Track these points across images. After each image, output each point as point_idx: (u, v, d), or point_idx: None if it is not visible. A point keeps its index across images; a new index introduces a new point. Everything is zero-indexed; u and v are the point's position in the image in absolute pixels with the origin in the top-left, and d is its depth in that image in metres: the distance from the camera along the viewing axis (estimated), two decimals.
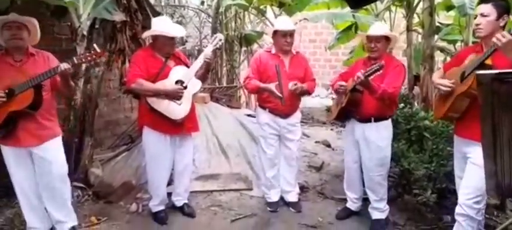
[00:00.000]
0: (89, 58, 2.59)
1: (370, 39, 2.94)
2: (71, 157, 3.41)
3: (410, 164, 3.10)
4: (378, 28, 2.97)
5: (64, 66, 2.51)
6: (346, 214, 3.31)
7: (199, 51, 6.77)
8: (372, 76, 2.66)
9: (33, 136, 2.60)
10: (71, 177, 2.97)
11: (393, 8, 5.86)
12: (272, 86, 3.09)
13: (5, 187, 3.23)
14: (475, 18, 2.32)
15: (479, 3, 2.36)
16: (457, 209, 2.36)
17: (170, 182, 3.40)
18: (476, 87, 1.54)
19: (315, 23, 7.30)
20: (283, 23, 3.26)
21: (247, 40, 7.20)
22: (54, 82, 2.68)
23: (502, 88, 1.41)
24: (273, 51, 3.28)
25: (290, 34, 3.18)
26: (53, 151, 2.68)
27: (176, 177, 3.29)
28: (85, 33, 3.46)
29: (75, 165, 3.59)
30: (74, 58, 2.57)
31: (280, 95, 3.07)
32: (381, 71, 2.62)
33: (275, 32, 3.23)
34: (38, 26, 2.67)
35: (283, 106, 3.12)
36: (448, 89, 2.32)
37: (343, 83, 2.98)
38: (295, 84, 3.11)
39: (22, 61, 2.61)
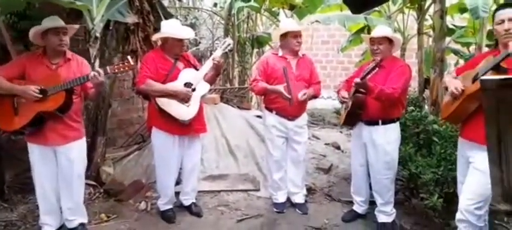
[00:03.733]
0: (121, 68, 2.67)
1: (372, 41, 2.95)
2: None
3: (417, 168, 3.08)
4: (380, 30, 2.98)
5: (96, 74, 2.55)
6: (352, 217, 3.30)
7: (212, 53, 6.84)
8: (369, 76, 2.71)
9: (60, 136, 2.69)
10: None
11: (406, 10, 5.82)
12: (281, 88, 3.13)
13: (21, 183, 3.36)
14: (500, 23, 2.17)
15: (504, 7, 2.21)
16: (458, 215, 2.32)
17: (178, 182, 3.45)
18: (481, 92, 1.50)
19: (327, 25, 7.30)
20: (292, 24, 3.33)
21: (259, 42, 7.27)
22: (84, 87, 2.76)
23: (509, 95, 1.34)
24: (280, 53, 3.32)
25: (300, 34, 3.24)
26: (77, 152, 2.78)
27: (184, 177, 3.34)
28: (98, 35, 3.54)
29: (87, 164, 3.68)
30: (108, 68, 2.66)
31: (289, 96, 3.12)
32: (377, 69, 2.64)
33: (285, 34, 3.26)
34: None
35: (291, 107, 3.16)
36: (456, 92, 2.23)
37: (345, 94, 3.06)
38: (304, 94, 3.17)
39: (58, 65, 2.70)
